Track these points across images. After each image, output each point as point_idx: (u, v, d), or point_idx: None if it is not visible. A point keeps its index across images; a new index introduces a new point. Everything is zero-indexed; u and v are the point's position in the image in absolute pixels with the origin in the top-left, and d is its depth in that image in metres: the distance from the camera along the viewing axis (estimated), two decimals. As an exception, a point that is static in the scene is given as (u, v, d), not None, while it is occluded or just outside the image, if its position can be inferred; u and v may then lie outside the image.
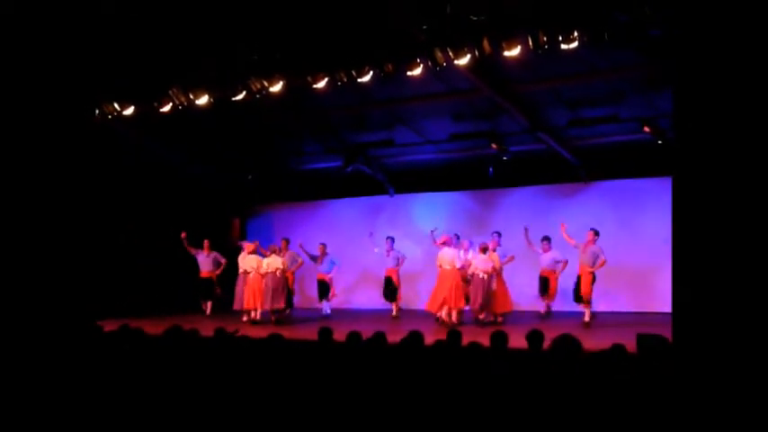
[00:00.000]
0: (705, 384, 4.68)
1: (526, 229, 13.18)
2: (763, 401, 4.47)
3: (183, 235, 14.62)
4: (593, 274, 12.22)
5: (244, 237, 16.81)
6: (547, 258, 13.18)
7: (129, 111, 12.67)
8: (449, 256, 12.62)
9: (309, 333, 8.59)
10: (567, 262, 13.02)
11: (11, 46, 7.08)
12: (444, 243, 12.81)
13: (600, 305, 13.24)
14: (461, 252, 12.87)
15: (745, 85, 4.83)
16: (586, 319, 12.12)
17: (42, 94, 7.25)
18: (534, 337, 6.16)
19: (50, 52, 7.30)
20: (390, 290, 14.19)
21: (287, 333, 7.38)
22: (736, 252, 4.76)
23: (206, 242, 14.96)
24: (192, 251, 14.85)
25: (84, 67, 7.74)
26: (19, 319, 6.76)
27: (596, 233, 12.39)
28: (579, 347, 5.23)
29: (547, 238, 13.16)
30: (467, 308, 12.74)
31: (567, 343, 5.20)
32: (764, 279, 4.63)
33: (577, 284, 12.38)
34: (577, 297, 12.40)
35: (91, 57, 7.91)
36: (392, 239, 14.37)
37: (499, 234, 13.20)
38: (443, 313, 12.43)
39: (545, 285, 13.17)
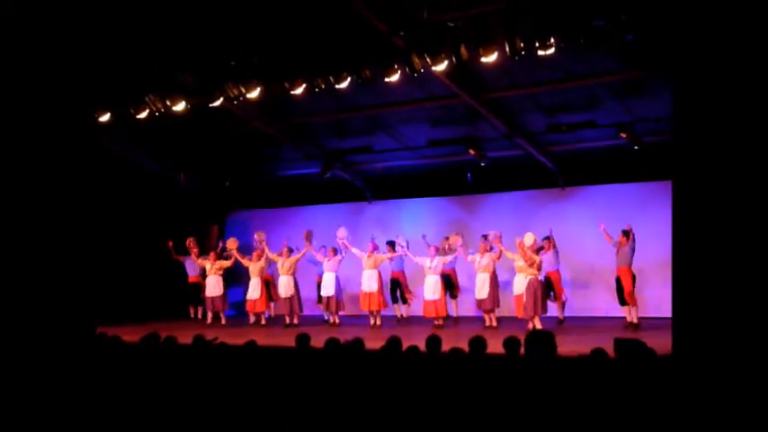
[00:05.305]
0: (706, 385, 4.68)
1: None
2: (762, 404, 4.48)
3: (170, 244, 14.60)
4: (632, 272, 12.24)
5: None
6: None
7: (106, 117, 12.56)
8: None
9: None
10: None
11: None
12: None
13: (574, 309, 13.47)
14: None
15: (744, 88, 4.84)
16: (631, 320, 12.13)
17: (39, 98, 7.18)
18: (510, 343, 6.16)
19: (46, 56, 7.23)
20: (399, 292, 14.23)
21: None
22: (736, 254, 4.76)
23: (195, 249, 15.05)
24: (180, 258, 14.90)
25: (79, 71, 7.67)
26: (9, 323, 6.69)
27: (626, 234, 12.26)
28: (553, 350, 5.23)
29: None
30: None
31: (541, 345, 5.19)
32: (765, 280, 4.63)
33: (619, 286, 12.33)
34: (622, 300, 12.32)
35: (83, 61, 7.84)
36: (393, 243, 14.22)
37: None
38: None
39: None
